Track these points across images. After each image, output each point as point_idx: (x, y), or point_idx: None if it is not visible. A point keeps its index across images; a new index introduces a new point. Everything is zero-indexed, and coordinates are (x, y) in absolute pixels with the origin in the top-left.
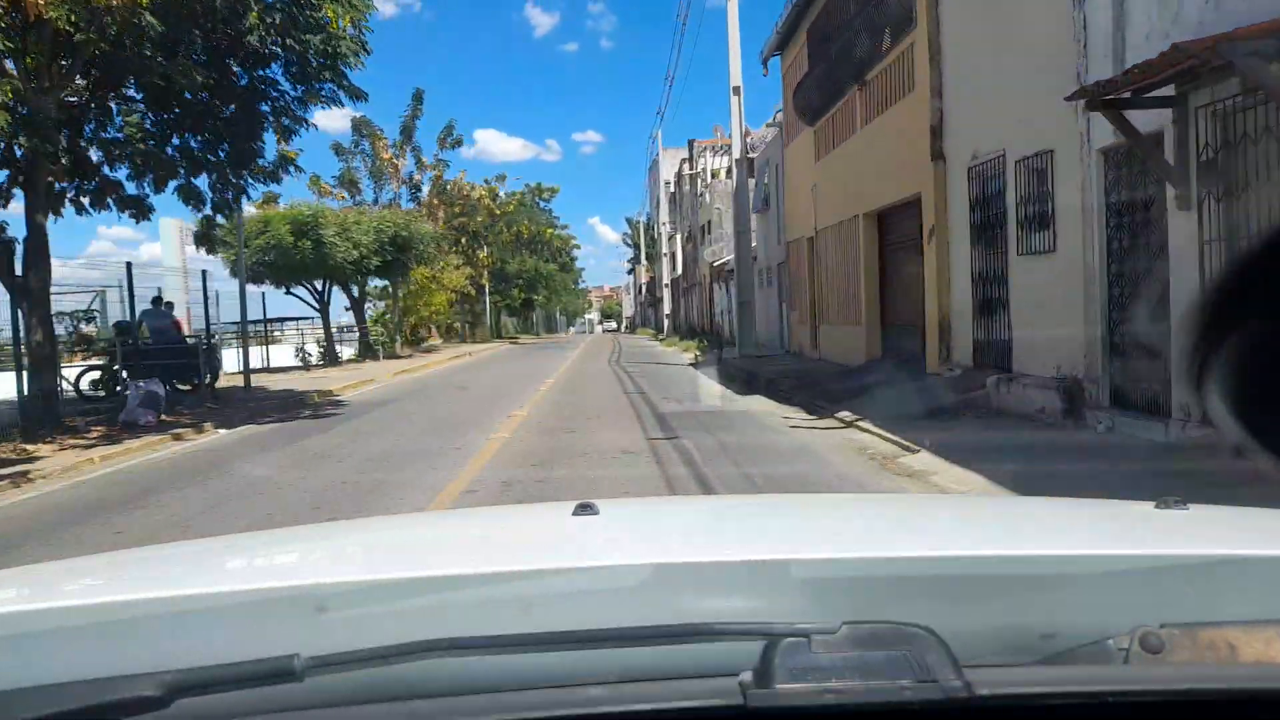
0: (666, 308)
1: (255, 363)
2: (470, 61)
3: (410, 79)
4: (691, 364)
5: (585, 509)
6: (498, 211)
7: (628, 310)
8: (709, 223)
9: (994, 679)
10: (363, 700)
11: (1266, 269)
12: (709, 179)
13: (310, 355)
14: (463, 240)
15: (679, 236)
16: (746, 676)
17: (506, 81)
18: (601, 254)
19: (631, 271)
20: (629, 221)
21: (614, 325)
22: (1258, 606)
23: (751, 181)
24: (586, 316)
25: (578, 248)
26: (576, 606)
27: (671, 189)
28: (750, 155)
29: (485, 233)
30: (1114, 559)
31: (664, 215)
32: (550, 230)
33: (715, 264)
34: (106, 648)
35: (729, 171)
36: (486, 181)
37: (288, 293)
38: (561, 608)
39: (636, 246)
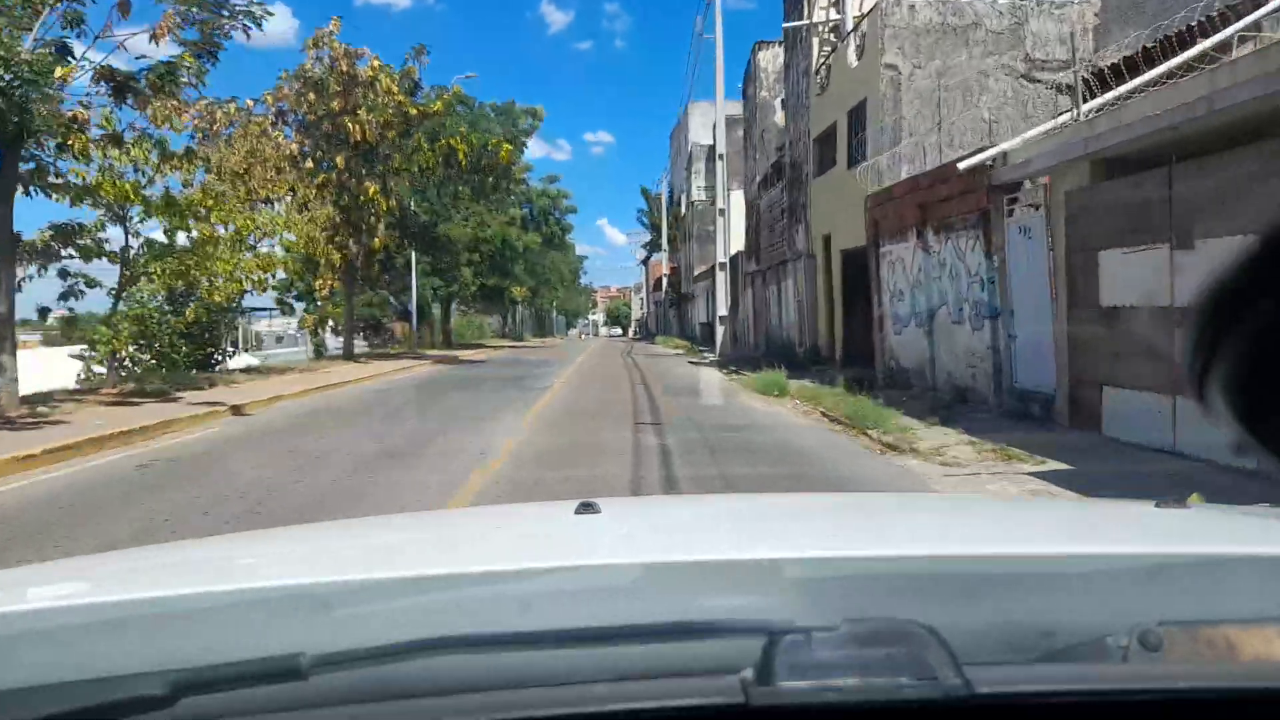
0: (720, 305)
1: None
2: (479, 56)
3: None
4: None
5: (587, 508)
6: (413, 111)
7: (637, 312)
8: (857, 111)
9: (994, 677)
10: (366, 698)
11: (1267, 269)
12: (848, 32)
13: None
14: (341, 163)
15: (742, 193)
16: (748, 674)
17: (517, 78)
18: (610, 257)
19: (646, 261)
20: (645, 194)
21: (619, 331)
22: (1257, 605)
23: None
24: (590, 317)
25: (573, 211)
26: (579, 604)
27: (707, 145)
28: None
29: (386, 148)
30: (1113, 558)
31: (721, 145)
32: (507, 148)
33: (921, 179)
34: (111, 646)
35: None
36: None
37: None
38: (565, 605)
39: (655, 227)
